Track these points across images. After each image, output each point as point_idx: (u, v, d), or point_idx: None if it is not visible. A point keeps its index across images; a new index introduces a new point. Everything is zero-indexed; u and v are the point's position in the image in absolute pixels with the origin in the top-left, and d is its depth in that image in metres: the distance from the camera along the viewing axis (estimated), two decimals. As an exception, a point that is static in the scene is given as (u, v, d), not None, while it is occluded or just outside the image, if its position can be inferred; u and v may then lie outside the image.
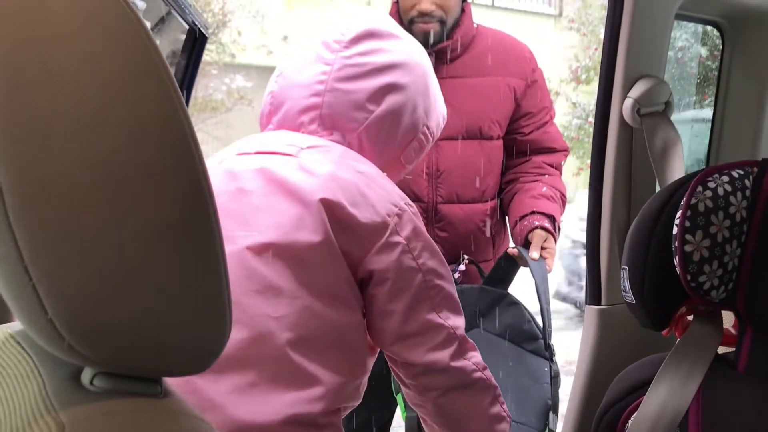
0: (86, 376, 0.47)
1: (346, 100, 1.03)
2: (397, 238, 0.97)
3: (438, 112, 1.13)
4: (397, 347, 1.02)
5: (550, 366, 1.57)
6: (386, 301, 0.99)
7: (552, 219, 1.74)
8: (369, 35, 1.06)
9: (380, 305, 0.99)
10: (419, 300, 0.99)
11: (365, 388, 1.07)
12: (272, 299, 0.93)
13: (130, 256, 0.43)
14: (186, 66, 1.67)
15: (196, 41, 1.67)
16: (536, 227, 1.71)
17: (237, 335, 0.91)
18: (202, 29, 1.63)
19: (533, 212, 1.74)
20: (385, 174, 1.05)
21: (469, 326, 1.60)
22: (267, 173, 0.98)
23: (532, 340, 1.62)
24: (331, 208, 0.94)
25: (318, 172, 0.97)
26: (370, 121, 1.04)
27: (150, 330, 0.45)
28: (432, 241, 1.03)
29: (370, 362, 1.06)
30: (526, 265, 1.68)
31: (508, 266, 1.71)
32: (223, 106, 10.18)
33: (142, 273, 0.43)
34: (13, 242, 0.41)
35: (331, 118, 1.03)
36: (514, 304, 1.65)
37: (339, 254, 0.95)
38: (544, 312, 1.59)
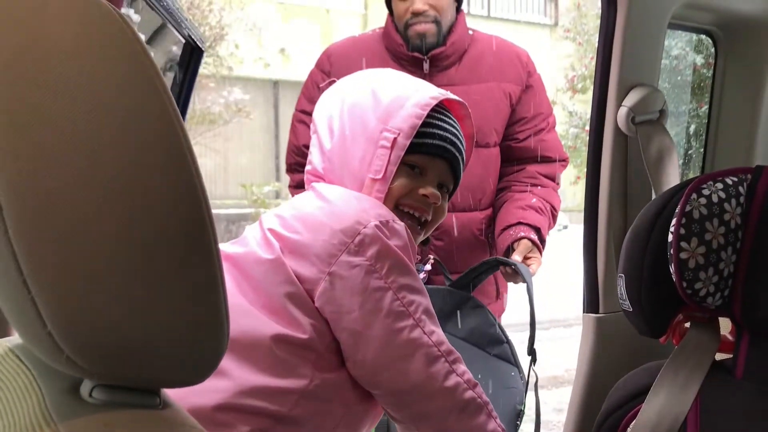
0: (85, 388, 0.47)
1: (314, 153, 1.15)
2: (357, 260, 0.97)
3: (406, 107, 1.07)
4: (382, 377, 0.99)
5: (530, 370, 1.51)
6: (361, 330, 0.97)
7: (538, 231, 1.71)
8: None
9: (353, 337, 0.98)
10: (397, 319, 0.98)
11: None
12: None
13: (128, 270, 0.43)
14: (182, 80, 1.68)
15: (192, 55, 1.67)
16: (521, 238, 1.69)
17: None
18: (198, 43, 1.64)
19: (519, 223, 1.72)
20: (364, 194, 1.07)
21: None
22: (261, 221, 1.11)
23: (496, 344, 1.56)
24: (278, 238, 1.02)
25: (286, 209, 1.08)
26: (327, 156, 1.12)
27: (148, 342, 0.45)
28: (402, 257, 1.01)
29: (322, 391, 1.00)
30: (517, 281, 1.66)
31: (482, 273, 1.65)
32: (221, 119, 10.21)
33: (141, 286, 0.43)
34: (12, 256, 0.41)
35: (311, 173, 1.16)
36: (479, 307, 1.60)
37: (289, 274, 0.99)
38: (534, 317, 1.55)
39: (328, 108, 1.13)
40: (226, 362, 0.93)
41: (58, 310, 0.42)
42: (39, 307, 0.42)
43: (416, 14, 1.73)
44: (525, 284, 1.58)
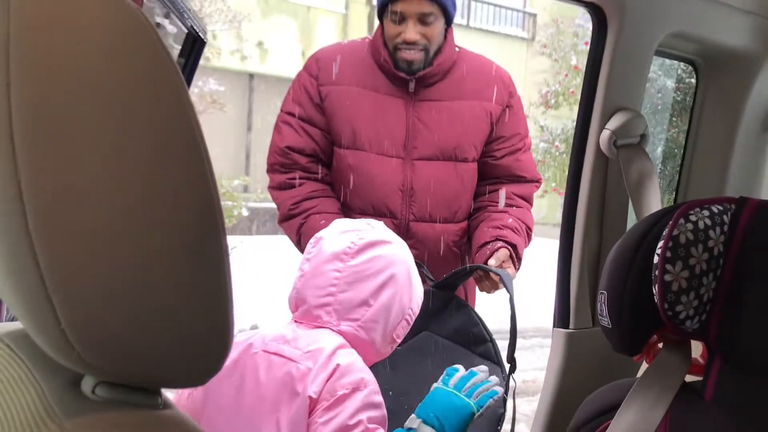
0: (87, 384, 0.47)
1: (352, 298, 1.30)
2: (338, 410, 1.18)
3: (417, 295, 1.36)
4: None
5: (508, 379, 1.52)
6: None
7: (514, 248, 1.75)
8: (370, 245, 1.32)
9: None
10: None
11: None
12: None
13: (145, 271, 0.43)
14: (183, 69, 1.66)
15: (194, 45, 1.66)
16: (500, 248, 1.73)
17: None
18: (200, 34, 1.62)
19: (497, 239, 1.76)
20: (379, 351, 1.33)
21: (419, 329, 1.59)
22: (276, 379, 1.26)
23: (480, 343, 1.61)
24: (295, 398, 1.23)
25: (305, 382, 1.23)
26: (369, 314, 1.30)
27: (158, 344, 0.45)
28: (383, 411, 1.22)
29: None
30: (491, 291, 1.68)
31: (462, 276, 1.71)
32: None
33: (156, 288, 0.44)
34: (31, 250, 0.41)
35: (340, 313, 1.31)
36: (464, 306, 1.65)
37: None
38: (514, 325, 1.56)
39: (379, 268, 1.30)
40: None
41: (74, 308, 0.42)
42: (54, 303, 0.41)
43: (407, 43, 1.75)
44: (498, 292, 1.61)
